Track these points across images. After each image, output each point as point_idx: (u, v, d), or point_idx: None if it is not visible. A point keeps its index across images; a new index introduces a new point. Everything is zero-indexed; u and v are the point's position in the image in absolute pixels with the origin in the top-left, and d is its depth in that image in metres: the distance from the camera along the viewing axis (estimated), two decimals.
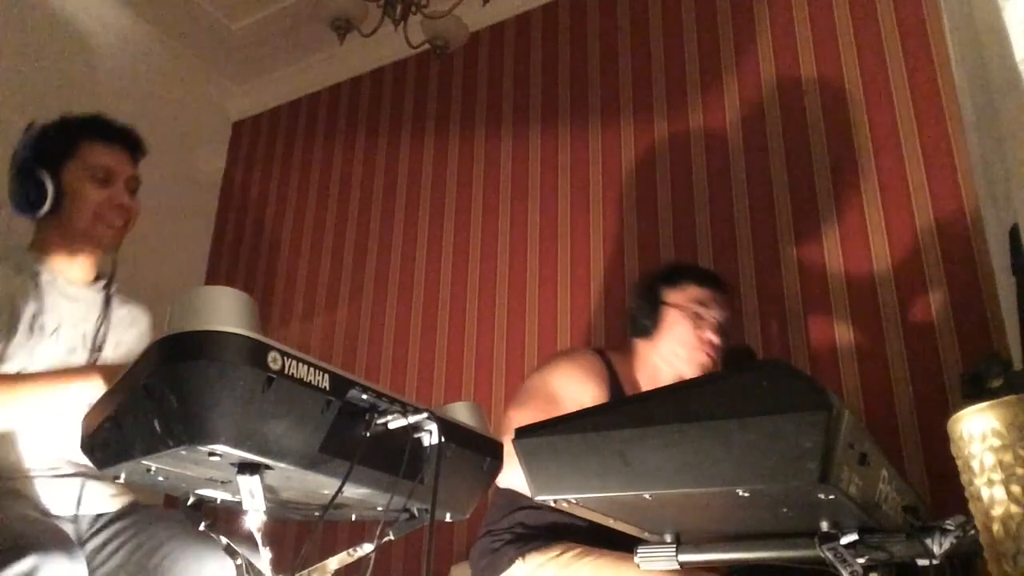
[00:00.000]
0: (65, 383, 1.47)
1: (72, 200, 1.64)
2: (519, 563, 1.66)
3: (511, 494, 1.75)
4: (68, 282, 1.69)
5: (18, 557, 1.24)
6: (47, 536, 1.35)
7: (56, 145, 1.66)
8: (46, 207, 1.61)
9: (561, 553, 1.63)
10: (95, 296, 1.74)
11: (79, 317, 1.68)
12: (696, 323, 1.88)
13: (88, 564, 1.52)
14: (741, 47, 2.71)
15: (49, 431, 1.60)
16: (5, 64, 2.97)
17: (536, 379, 1.83)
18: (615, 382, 1.85)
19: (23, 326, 1.57)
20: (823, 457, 0.80)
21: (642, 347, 1.94)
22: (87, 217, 1.65)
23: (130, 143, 1.76)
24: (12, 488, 1.54)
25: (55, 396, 1.46)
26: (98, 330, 1.67)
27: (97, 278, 1.76)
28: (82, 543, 1.56)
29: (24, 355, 1.57)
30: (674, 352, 1.89)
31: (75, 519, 1.58)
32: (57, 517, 1.55)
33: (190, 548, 1.52)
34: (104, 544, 1.58)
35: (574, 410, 1.68)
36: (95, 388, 1.43)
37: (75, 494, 1.57)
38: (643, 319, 1.93)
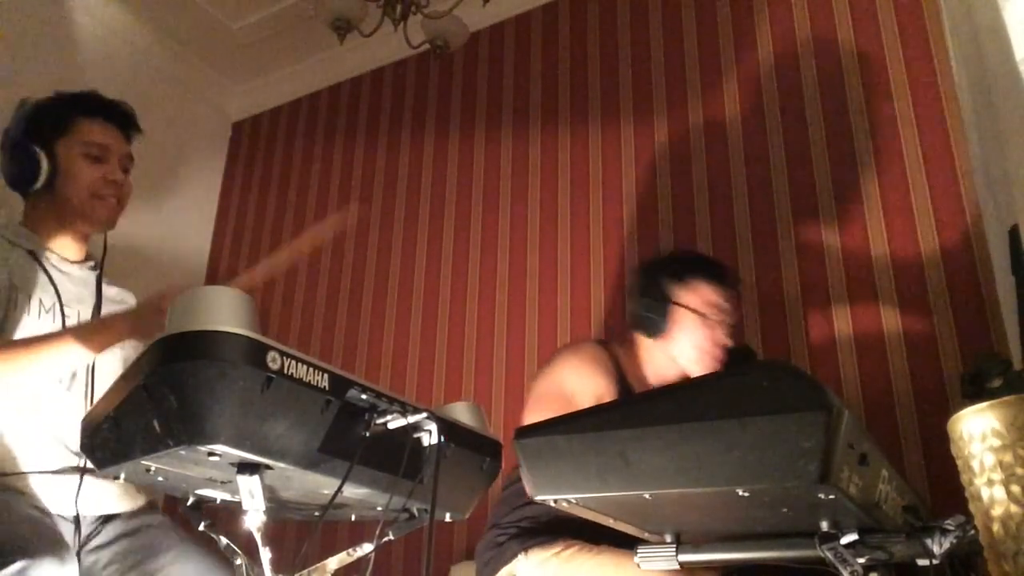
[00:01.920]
0: (64, 344, 1.45)
1: (66, 176, 1.62)
2: (522, 558, 1.66)
3: (520, 490, 1.74)
4: (61, 259, 1.67)
5: (6, 561, 1.23)
6: (37, 539, 1.34)
7: (50, 121, 1.64)
8: (40, 182, 1.60)
9: (563, 549, 1.63)
10: (87, 275, 1.72)
11: (72, 295, 1.66)
12: (708, 325, 1.84)
13: (89, 565, 1.52)
14: (741, 47, 2.71)
15: (52, 428, 1.59)
16: (4, 64, 2.97)
17: (544, 380, 1.81)
18: (621, 375, 1.82)
19: (20, 301, 1.56)
20: (823, 457, 0.80)
21: (648, 344, 1.90)
22: (81, 194, 1.63)
23: (124, 120, 1.73)
24: (13, 485, 1.53)
25: (56, 358, 1.45)
26: (94, 311, 1.66)
27: (87, 258, 1.75)
28: (84, 543, 1.55)
29: (21, 331, 1.54)
30: (684, 354, 1.85)
31: (77, 519, 1.56)
32: (59, 516, 1.54)
33: (192, 558, 1.52)
34: (106, 545, 1.57)
35: (590, 401, 1.69)
36: (93, 348, 1.43)
37: (84, 494, 1.55)
38: (652, 318, 1.85)
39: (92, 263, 1.75)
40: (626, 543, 1.62)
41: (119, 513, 1.63)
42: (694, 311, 1.84)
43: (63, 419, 1.59)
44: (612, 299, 2.63)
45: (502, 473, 1.28)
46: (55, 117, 1.65)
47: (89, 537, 1.57)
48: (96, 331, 1.50)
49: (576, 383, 1.75)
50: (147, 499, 1.69)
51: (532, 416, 1.69)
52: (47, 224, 1.66)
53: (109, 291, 1.77)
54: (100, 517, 1.61)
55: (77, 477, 1.55)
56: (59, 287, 1.62)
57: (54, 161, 1.61)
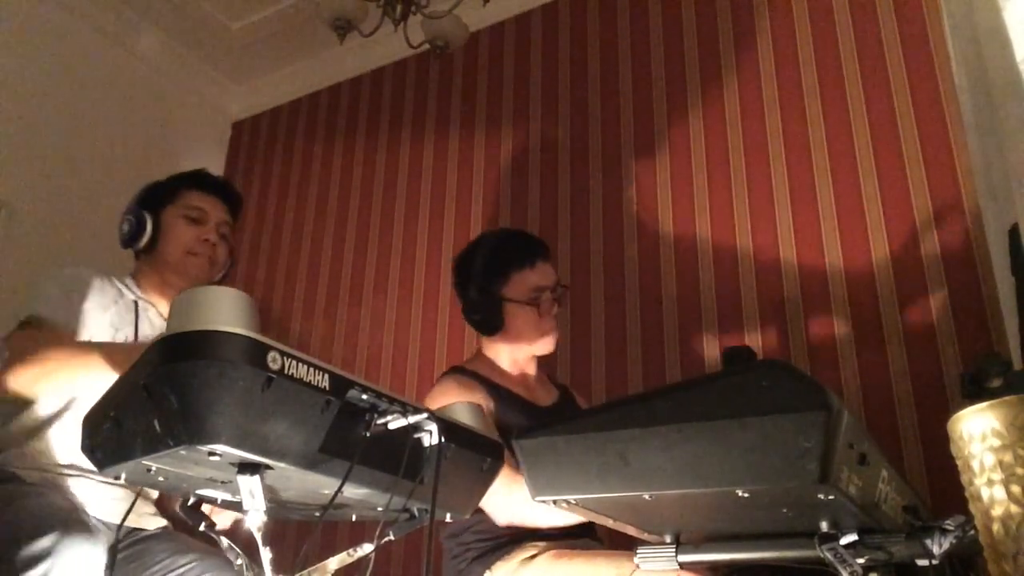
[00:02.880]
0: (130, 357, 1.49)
1: (165, 236, 1.82)
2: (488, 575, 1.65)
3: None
4: (157, 314, 1.81)
5: (39, 535, 1.29)
6: (70, 519, 1.38)
7: (161, 192, 1.86)
8: (144, 240, 1.79)
9: (531, 556, 1.61)
10: None
11: None
12: (541, 308, 1.88)
13: (115, 573, 1.55)
14: (741, 47, 2.71)
15: None
16: (4, 63, 2.98)
17: None
18: (488, 384, 1.83)
19: (116, 340, 1.67)
20: (823, 457, 0.80)
21: (494, 341, 1.93)
22: (178, 251, 1.81)
23: (228, 194, 1.94)
24: (56, 482, 1.57)
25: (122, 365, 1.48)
26: None
27: None
28: (113, 550, 1.57)
29: None
30: (526, 340, 1.89)
31: (110, 527, 1.59)
32: (94, 521, 1.56)
33: (212, 564, 1.56)
34: (133, 558, 1.60)
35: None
36: None
37: (119, 505, 1.60)
38: (486, 319, 1.88)
39: None
40: (586, 538, 1.61)
41: (150, 530, 1.68)
42: (522, 302, 1.86)
43: None
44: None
45: None
46: (166, 188, 1.87)
47: (121, 548, 1.60)
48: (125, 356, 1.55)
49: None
50: (167, 522, 1.74)
51: None
52: (150, 281, 1.83)
53: None
54: (131, 530, 1.65)
55: (125, 490, 1.58)
56: (147, 338, 1.72)
57: (158, 224, 1.81)
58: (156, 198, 1.84)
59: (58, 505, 1.48)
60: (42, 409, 1.60)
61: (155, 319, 1.80)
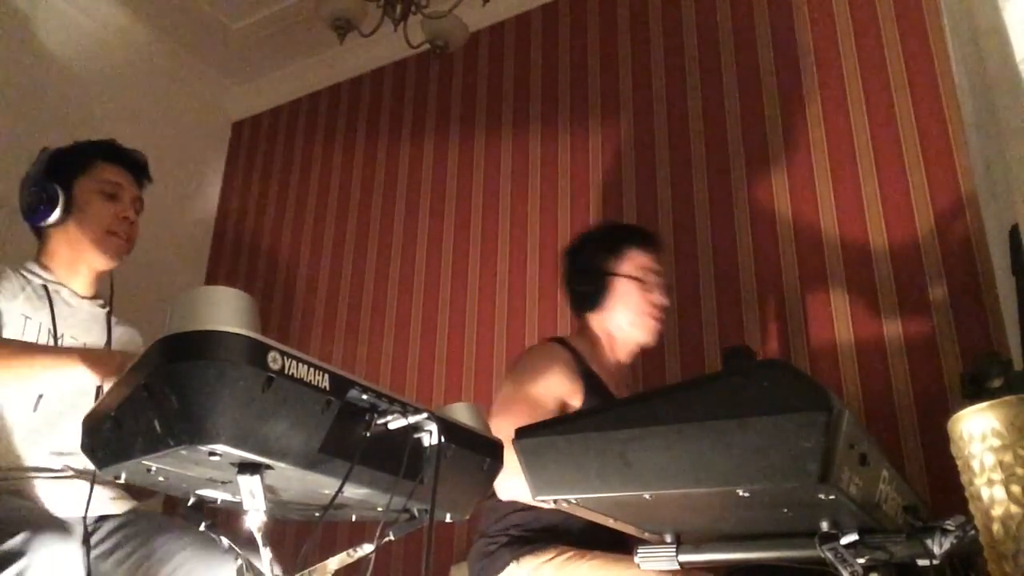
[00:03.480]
0: (73, 364, 1.45)
1: (82, 212, 1.73)
2: (514, 566, 1.65)
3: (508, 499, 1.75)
4: (71, 293, 1.75)
5: (9, 535, 1.27)
6: (40, 518, 1.37)
7: (70, 162, 1.76)
8: (55, 215, 1.69)
9: (555, 556, 1.63)
10: (97, 312, 1.80)
11: (83, 330, 1.74)
12: (645, 289, 1.90)
13: (93, 569, 1.53)
14: (740, 47, 2.71)
15: (50, 432, 1.61)
16: (5, 63, 2.98)
17: (510, 386, 1.82)
18: (583, 365, 1.85)
19: (40, 337, 1.64)
20: (823, 457, 0.80)
21: (594, 320, 1.94)
22: (96, 229, 1.73)
23: (137, 167, 1.85)
24: (14, 488, 1.55)
25: (63, 372, 1.45)
26: (105, 347, 1.71)
27: (96, 296, 1.82)
28: (91, 543, 1.56)
29: None
30: (626, 320, 1.91)
31: (78, 522, 1.57)
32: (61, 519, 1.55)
33: (202, 561, 1.53)
34: (111, 551, 1.58)
35: (554, 406, 1.71)
36: (98, 374, 1.44)
37: (78, 496, 1.57)
38: (588, 292, 1.92)
39: (102, 301, 1.82)
40: (620, 545, 1.63)
41: (119, 514, 1.66)
42: (629, 277, 1.89)
43: (65, 422, 1.60)
44: None
45: None
46: (75, 158, 1.77)
47: (94, 541, 1.59)
48: (108, 361, 1.50)
49: (538, 387, 1.77)
50: (135, 502, 1.72)
51: (499, 422, 1.68)
52: (60, 259, 1.75)
53: (117, 330, 1.83)
54: (99, 518, 1.63)
55: (80, 481, 1.57)
56: (72, 322, 1.70)
57: (71, 197, 1.72)
58: (66, 169, 1.73)
59: (25, 506, 1.47)
60: None
61: (70, 299, 1.74)
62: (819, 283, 2.33)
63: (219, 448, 0.84)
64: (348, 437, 0.95)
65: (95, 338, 1.74)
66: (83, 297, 1.77)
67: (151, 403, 0.85)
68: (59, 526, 1.38)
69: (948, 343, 2.10)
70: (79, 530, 1.52)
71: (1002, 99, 1.49)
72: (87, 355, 1.47)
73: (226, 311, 0.86)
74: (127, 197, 1.79)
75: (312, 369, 0.89)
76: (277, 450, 0.88)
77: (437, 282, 3.00)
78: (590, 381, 1.83)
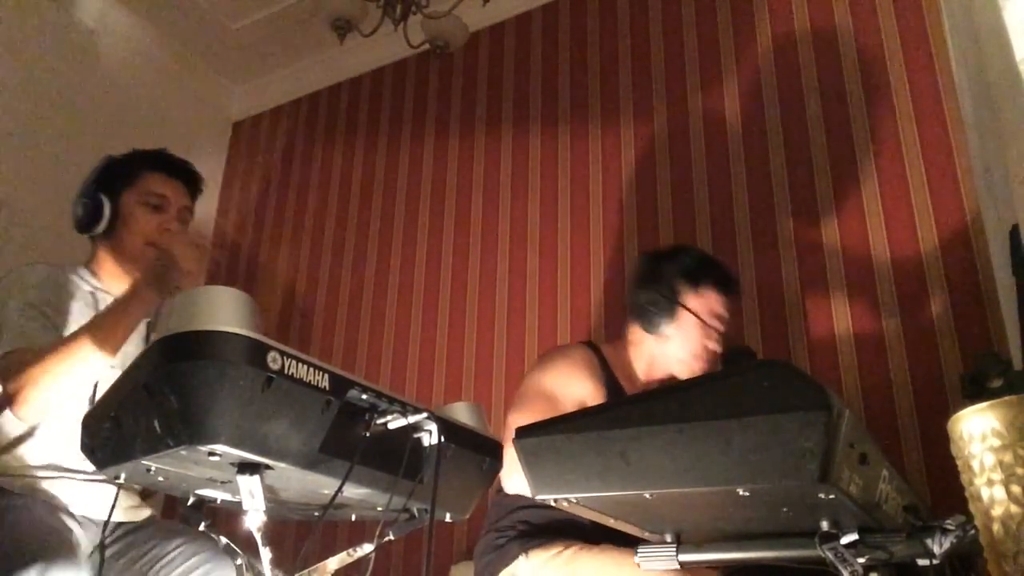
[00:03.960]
0: (83, 351, 1.46)
1: (125, 223, 1.74)
2: (522, 559, 1.66)
3: (513, 493, 1.75)
4: None
5: (22, 565, 1.27)
6: (52, 544, 1.37)
7: (119, 173, 1.77)
8: (101, 226, 1.71)
9: (564, 550, 1.63)
10: (140, 324, 1.78)
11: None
12: (707, 333, 1.86)
13: (103, 571, 1.55)
14: (741, 47, 2.71)
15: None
16: (5, 64, 2.97)
17: (532, 381, 1.81)
18: (609, 374, 1.84)
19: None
20: (823, 457, 0.80)
21: (643, 338, 1.91)
22: (138, 241, 1.73)
23: (188, 177, 1.85)
24: (40, 487, 1.56)
25: (81, 368, 1.47)
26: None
27: None
28: (100, 548, 1.57)
29: None
30: (677, 355, 1.87)
31: (96, 524, 1.58)
32: (80, 519, 1.57)
33: (208, 570, 1.55)
34: (122, 553, 1.60)
35: (572, 408, 1.70)
36: (109, 351, 1.46)
37: (104, 500, 1.58)
38: (655, 313, 1.87)
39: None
40: (626, 543, 1.63)
41: (136, 522, 1.68)
42: (699, 318, 1.86)
43: None
44: (612, 299, 2.62)
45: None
46: (124, 170, 1.78)
47: (108, 543, 1.60)
48: (112, 323, 1.51)
49: (560, 386, 1.76)
50: (152, 511, 1.75)
51: (515, 415, 1.70)
52: (106, 269, 1.76)
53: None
54: (117, 524, 1.65)
55: (108, 486, 1.57)
56: None
57: (117, 208, 1.73)
58: (115, 181, 1.76)
59: (42, 525, 1.46)
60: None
61: None
62: (819, 283, 2.33)
63: (219, 448, 0.84)
64: (348, 437, 0.95)
65: (133, 347, 1.72)
66: None
67: (151, 403, 0.85)
68: (71, 551, 1.38)
69: (948, 343, 2.10)
70: (96, 532, 1.54)
71: (1002, 99, 1.49)
72: (93, 336, 1.48)
73: (226, 311, 0.86)
74: (173, 208, 1.78)
75: (312, 369, 0.89)
76: (277, 450, 0.88)
77: (437, 282, 3.00)
78: (613, 391, 1.81)
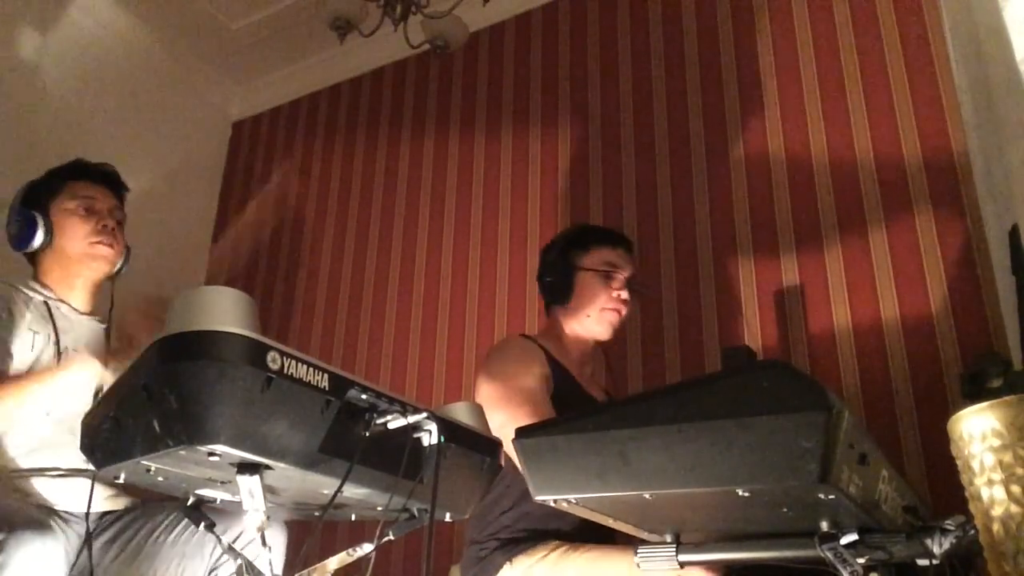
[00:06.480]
0: (53, 375, 1.61)
1: (62, 231, 1.79)
2: (507, 568, 1.65)
3: (492, 501, 1.75)
4: (71, 309, 1.81)
5: None
6: (18, 516, 1.40)
7: (43, 188, 1.83)
8: (39, 239, 1.76)
9: (549, 552, 1.63)
10: (96, 327, 1.85)
11: (83, 344, 1.78)
12: (606, 283, 1.93)
13: (97, 560, 1.59)
14: (741, 47, 2.71)
15: (56, 432, 1.63)
16: (4, 63, 2.97)
17: (493, 383, 1.80)
18: (550, 358, 1.87)
19: (47, 348, 1.70)
20: (823, 457, 0.80)
21: (561, 315, 1.97)
22: (79, 244, 1.79)
23: (109, 180, 1.89)
24: (19, 486, 1.59)
25: (50, 386, 1.60)
26: (105, 364, 1.74)
27: (94, 311, 1.87)
28: (90, 540, 1.60)
29: (29, 366, 1.67)
30: (587, 312, 1.93)
31: (80, 518, 1.61)
32: (64, 514, 1.59)
33: (193, 548, 1.57)
34: (114, 538, 1.63)
35: (541, 392, 1.72)
36: (80, 371, 1.59)
37: (82, 493, 1.61)
38: (557, 284, 1.95)
39: (100, 317, 1.88)
40: (612, 540, 1.63)
41: (120, 509, 1.71)
42: (594, 270, 1.93)
43: (70, 421, 1.62)
44: None
45: None
46: (48, 184, 1.83)
47: (96, 533, 1.64)
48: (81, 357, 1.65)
49: (528, 378, 1.78)
50: (133, 498, 1.77)
51: (500, 419, 1.65)
52: (54, 277, 1.81)
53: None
54: (103, 514, 1.68)
55: (83, 479, 1.59)
56: (74, 337, 1.77)
57: (49, 220, 1.78)
58: (39, 196, 1.81)
59: (8, 508, 1.49)
60: None
61: (69, 314, 1.80)
62: (819, 283, 2.32)
63: (218, 448, 0.84)
64: (348, 437, 0.95)
65: (93, 353, 1.78)
66: (82, 313, 1.83)
67: (150, 403, 0.85)
68: (39, 523, 1.41)
69: (948, 343, 2.10)
70: (81, 525, 1.57)
71: (1002, 99, 1.49)
72: (64, 363, 1.62)
73: (226, 311, 0.86)
74: (103, 208, 1.83)
75: (312, 369, 0.89)
76: (277, 450, 0.88)
77: (437, 282, 3.00)
78: (559, 372, 1.85)
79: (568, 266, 1.95)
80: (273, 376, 0.85)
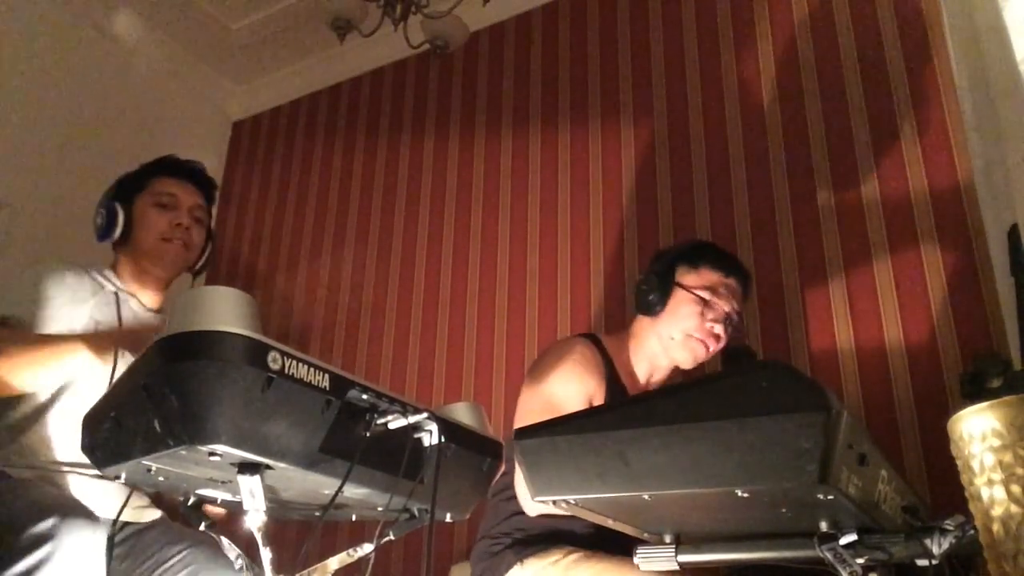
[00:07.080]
0: (75, 347, 1.55)
1: (139, 224, 1.82)
2: (517, 568, 1.64)
3: (509, 497, 1.74)
4: (140, 305, 1.83)
5: (39, 520, 1.29)
6: (68, 505, 1.39)
7: (132, 182, 1.87)
8: (117, 231, 1.80)
9: (561, 558, 1.61)
10: (160, 323, 1.84)
11: (145, 341, 1.76)
12: (703, 309, 1.81)
13: (115, 566, 1.57)
14: (741, 47, 2.71)
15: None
16: (6, 66, 2.98)
17: (534, 388, 1.77)
18: (611, 369, 1.80)
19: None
20: (822, 457, 0.80)
21: (643, 325, 1.87)
22: (151, 238, 1.81)
23: (198, 178, 1.92)
24: (49, 479, 1.59)
25: (66, 357, 1.54)
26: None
27: (160, 309, 1.89)
28: (109, 544, 1.59)
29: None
30: (672, 335, 1.82)
31: (105, 523, 1.59)
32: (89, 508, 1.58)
33: (201, 572, 1.57)
34: (125, 555, 1.62)
35: (577, 407, 1.68)
36: (97, 354, 1.54)
37: (112, 499, 1.60)
38: (651, 295, 1.82)
39: (166, 315, 1.85)
40: (623, 551, 1.62)
41: (143, 523, 1.70)
42: (692, 291, 1.81)
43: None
44: (612, 300, 2.62)
45: None
46: (135, 178, 1.87)
47: (116, 542, 1.62)
48: (105, 340, 1.59)
49: (565, 389, 1.72)
50: (161, 513, 1.78)
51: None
52: (128, 271, 1.84)
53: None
54: (124, 524, 1.67)
55: (121, 486, 1.59)
56: (127, 326, 1.76)
57: (131, 214, 1.82)
58: (127, 189, 1.85)
59: (55, 494, 1.49)
60: (29, 405, 1.61)
61: (136, 308, 1.81)
62: (819, 282, 2.33)
63: (219, 448, 0.84)
64: (348, 437, 0.95)
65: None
66: (150, 309, 1.85)
67: (151, 403, 0.85)
68: (88, 513, 1.39)
69: (948, 343, 2.10)
70: (103, 529, 1.55)
71: (1002, 99, 1.49)
72: (89, 338, 1.56)
73: (226, 311, 0.86)
74: (184, 205, 1.85)
75: (312, 369, 0.90)
76: (277, 450, 0.88)
77: (437, 282, 3.00)
78: (613, 387, 1.78)
79: (669, 278, 1.83)
80: (274, 376, 0.85)
